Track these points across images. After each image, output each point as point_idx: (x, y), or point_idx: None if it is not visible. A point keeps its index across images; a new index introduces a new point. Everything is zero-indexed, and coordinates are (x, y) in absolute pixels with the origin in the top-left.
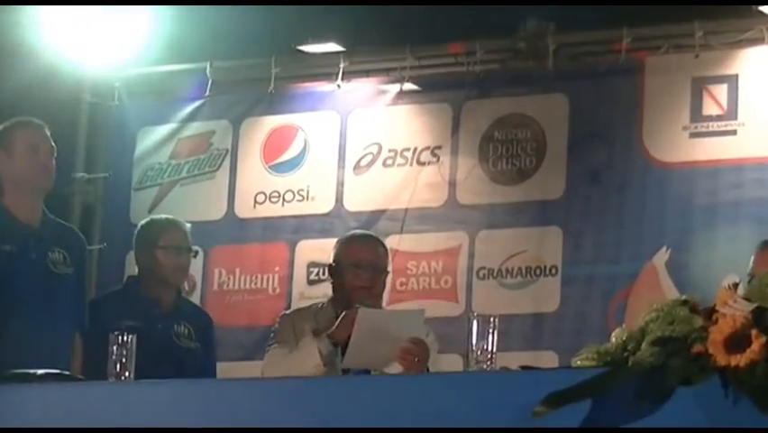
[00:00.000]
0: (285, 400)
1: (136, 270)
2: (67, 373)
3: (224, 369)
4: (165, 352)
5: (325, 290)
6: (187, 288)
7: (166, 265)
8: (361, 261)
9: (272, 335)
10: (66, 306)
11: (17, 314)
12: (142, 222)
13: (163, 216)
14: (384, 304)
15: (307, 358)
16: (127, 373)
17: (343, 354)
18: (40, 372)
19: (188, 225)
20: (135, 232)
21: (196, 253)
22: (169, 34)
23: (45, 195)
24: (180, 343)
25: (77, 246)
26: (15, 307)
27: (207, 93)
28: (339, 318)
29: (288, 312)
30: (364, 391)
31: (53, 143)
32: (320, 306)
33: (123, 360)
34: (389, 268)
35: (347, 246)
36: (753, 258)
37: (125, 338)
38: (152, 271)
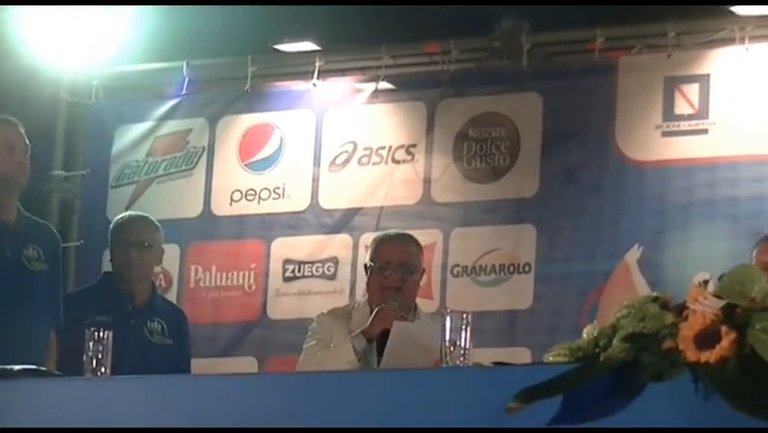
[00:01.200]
0: (262, 395)
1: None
2: (43, 369)
3: (201, 365)
4: (137, 347)
5: (300, 287)
6: (163, 284)
7: (132, 260)
8: (390, 261)
9: (309, 333)
10: (41, 302)
11: None
12: (115, 219)
13: (133, 212)
14: (358, 297)
15: (342, 354)
16: (103, 369)
17: (377, 350)
18: (16, 367)
19: (155, 222)
20: (109, 228)
21: (157, 249)
22: (146, 33)
23: (20, 192)
24: (153, 339)
25: (52, 243)
26: None
27: (184, 91)
28: (372, 315)
29: (324, 312)
30: (342, 386)
31: (27, 141)
32: (356, 305)
33: (100, 356)
34: (422, 265)
35: (378, 247)
36: (754, 253)
37: (102, 334)
38: (123, 266)
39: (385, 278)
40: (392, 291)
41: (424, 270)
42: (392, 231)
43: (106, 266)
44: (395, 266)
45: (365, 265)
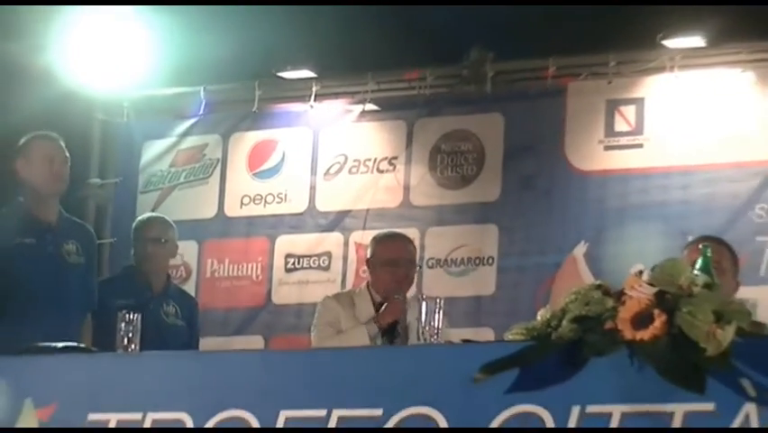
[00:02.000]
0: (269, 369)
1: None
2: (82, 345)
3: (217, 343)
4: (155, 327)
5: (300, 277)
6: (184, 275)
7: (149, 253)
8: (396, 259)
9: (316, 315)
10: (77, 290)
11: (36, 297)
12: (136, 219)
13: (152, 213)
14: (348, 287)
15: (357, 338)
16: (133, 346)
17: (385, 336)
18: (59, 345)
19: (170, 221)
20: (132, 227)
21: (171, 244)
22: (169, 61)
23: (60, 197)
24: (168, 320)
25: (88, 239)
26: (35, 291)
27: (201, 112)
28: (383, 307)
29: (330, 295)
30: (334, 362)
31: (67, 154)
32: (357, 291)
33: (130, 335)
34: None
35: (382, 245)
36: (685, 253)
37: (132, 316)
38: (142, 258)
39: (392, 273)
40: (398, 285)
41: (419, 263)
42: (390, 231)
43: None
44: (401, 263)
45: (367, 259)
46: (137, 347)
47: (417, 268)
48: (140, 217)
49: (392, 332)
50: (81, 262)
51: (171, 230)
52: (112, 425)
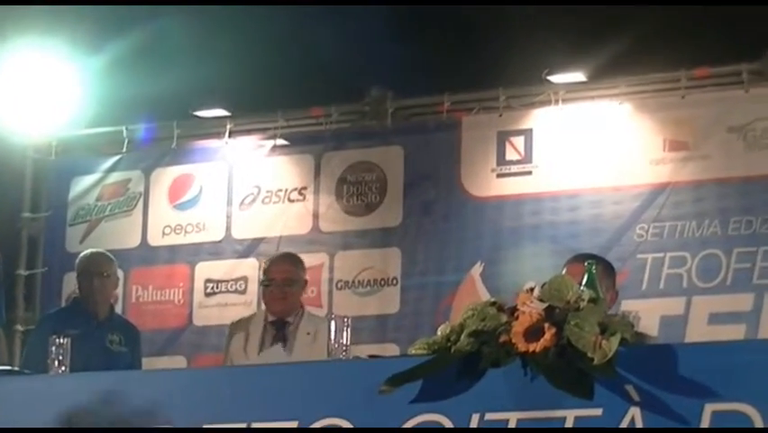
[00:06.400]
0: (192, 385)
1: (77, 290)
2: (16, 368)
3: (143, 362)
4: (101, 354)
5: (219, 300)
6: (113, 301)
7: (94, 286)
8: (272, 279)
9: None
10: None
11: None
12: (80, 255)
13: (94, 249)
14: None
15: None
16: (63, 368)
17: (274, 328)
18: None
19: (111, 256)
20: (76, 262)
21: (114, 277)
22: (94, 103)
23: None
24: (112, 348)
25: None
26: None
27: (124, 150)
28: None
29: (233, 322)
30: (252, 378)
31: None
32: (254, 314)
33: (61, 357)
34: (305, 278)
35: (265, 267)
36: (565, 270)
37: (62, 340)
38: (88, 291)
39: (273, 291)
40: (277, 303)
41: (306, 280)
42: (278, 252)
43: (66, 288)
44: (281, 281)
45: (260, 281)
46: (67, 369)
47: (303, 287)
48: (83, 253)
49: (283, 328)
50: None
51: (113, 264)
52: None
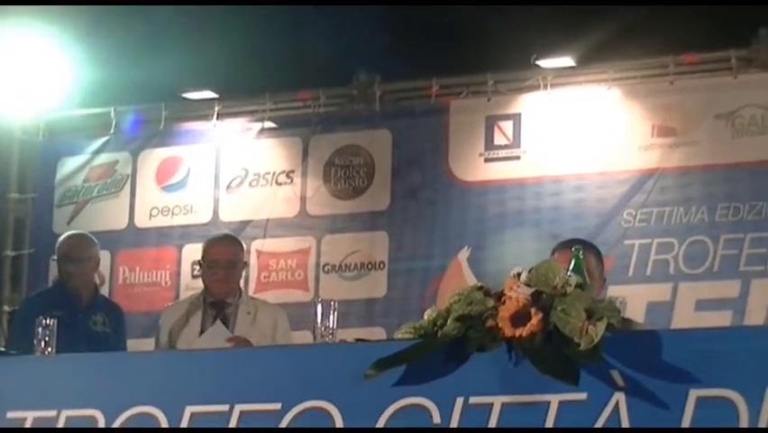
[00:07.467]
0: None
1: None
2: (2, 349)
3: (129, 344)
4: (85, 335)
5: None
6: (99, 282)
7: (70, 271)
8: (216, 260)
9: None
10: None
11: None
12: (60, 238)
13: (73, 232)
14: (251, 291)
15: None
16: (50, 349)
17: (213, 310)
18: None
19: (91, 238)
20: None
21: (93, 261)
22: (82, 85)
23: None
24: (96, 328)
25: None
26: None
27: (112, 131)
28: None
29: (167, 306)
30: (236, 361)
31: None
32: (189, 297)
33: (47, 339)
34: (244, 260)
35: (206, 247)
36: (555, 256)
37: (48, 321)
38: (66, 276)
39: (215, 273)
40: (219, 285)
41: (246, 262)
42: (217, 233)
43: (53, 270)
44: (221, 264)
45: (198, 262)
46: (53, 350)
47: (243, 269)
48: (62, 237)
49: (223, 309)
50: None
51: (92, 247)
52: (28, 422)
